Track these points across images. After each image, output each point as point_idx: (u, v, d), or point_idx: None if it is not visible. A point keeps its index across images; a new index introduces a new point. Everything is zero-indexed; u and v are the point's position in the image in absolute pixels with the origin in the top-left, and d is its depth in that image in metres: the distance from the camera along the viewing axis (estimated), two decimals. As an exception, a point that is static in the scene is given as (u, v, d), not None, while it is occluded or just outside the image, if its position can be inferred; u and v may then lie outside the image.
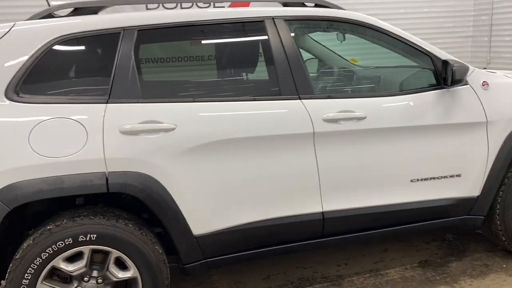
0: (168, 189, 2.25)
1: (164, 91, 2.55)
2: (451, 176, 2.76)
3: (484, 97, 2.74)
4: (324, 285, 2.89)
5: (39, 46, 2.19)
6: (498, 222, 2.92)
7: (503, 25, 6.73)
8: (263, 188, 2.43)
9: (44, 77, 2.23)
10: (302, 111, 2.42)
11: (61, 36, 2.22)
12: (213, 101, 2.38)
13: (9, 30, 2.20)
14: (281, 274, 3.04)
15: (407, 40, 2.69)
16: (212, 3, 6.35)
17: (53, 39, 2.21)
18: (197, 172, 2.30)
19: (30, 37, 2.21)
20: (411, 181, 2.69)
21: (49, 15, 2.36)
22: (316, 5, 2.71)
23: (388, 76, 3.07)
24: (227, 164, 2.34)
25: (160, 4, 4.34)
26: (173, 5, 4.31)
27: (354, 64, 3.80)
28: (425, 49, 2.70)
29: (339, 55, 3.63)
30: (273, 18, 2.51)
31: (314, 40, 3.50)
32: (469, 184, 2.80)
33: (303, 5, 2.70)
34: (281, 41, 2.47)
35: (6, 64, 2.15)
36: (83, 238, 2.15)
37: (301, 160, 2.45)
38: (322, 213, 2.55)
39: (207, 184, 2.33)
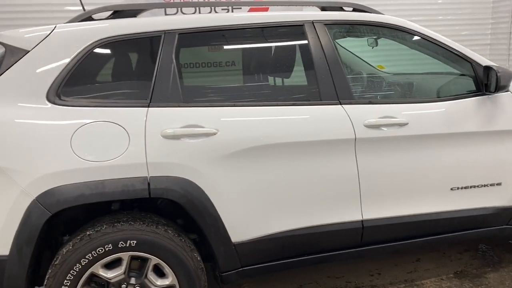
0: (208, 194, 2.20)
1: (204, 95, 2.52)
2: (491, 185, 2.70)
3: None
4: (360, 295, 2.82)
5: (81, 49, 2.16)
6: (538, 233, 2.84)
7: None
8: (302, 195, 2.37)
9: (85, 80, 2.20)
10: (343, 116, 2.37)
11: (102, 39, 2.19)
12: (253, 106, 2.34)
13: (51, 32, 2.18)
14: (313, 283, 2.98)
15: (447, 45, 2.64)
16: (230, 8, 6.39)
17: (94, 42, 2.18)
18: (237, 178, 2.25)
19: (71, 40, 2.18)
20: (451, 189, 2.62)
21: (89, 18, 2.33)
22: (355, 10, 2.67)
23: (423, 82, 3.02)
24: (267, 170, 2.29)
25: (179, 9, 4.36)
26: (192, 9, 4.31)
27: (381, 71, 3.75)
28: (465, 55, 2.65)
29: (366, 62, 3.59)
30: (313, 22, 2.47)
31: (341, 46, 3.46)
32: (510, 193, 2.73)
33: (341, 9, 2.66)
34: (321, 45, 2.43)
35: (47, 67, 2.12)
36: (123, 244, 2.11)
37: (342, 167, 2.39)
38: (362, 221, 2.49)
39: (246, 190, 2.28)
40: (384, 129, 2.42)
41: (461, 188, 2.63)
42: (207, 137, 2.19)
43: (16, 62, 2.12)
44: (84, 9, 2.74)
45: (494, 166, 2.67)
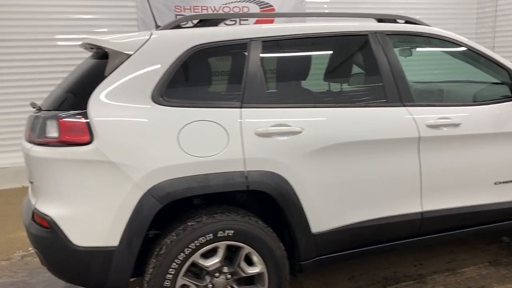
0: (294, 188, 2.39)
1: (287, 97, 2.72)
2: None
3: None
4: (409, 283, 3.06)
5: (179, 53, 2.33)
6: None
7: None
8: (373, 189, 2.60)
9: (183, 82, 2.36)
10: (408, 117, 2.63)
11: (197, 45, 2.36)
12: (331, 107, 2.56)
13: (149, 38, 2.34)
14: (364, 274, 3.20)
15: (488, 55, 2.95)
16: (238, 20, 6.64)
17: (191, 48, 2.35)
18: (318, 172, 2.45)
19: (170, 45, 2.35)
20: (495, 183, 2.92)
21: (178, 26, 2.50)
22: (407, 22, 2.95)
23: (464, 88, 3.32)
24: (344, 165, 2.51)
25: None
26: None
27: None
28: (503, 64, 2.97)
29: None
30: (376, 33, 2.73)
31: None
32: (542, 187, 3.05)
33: (394, 21, 2.94)
34: (384, 52, 2.69)
35: (150, 70, 2.27)
36: (222, 234, 2.27)
37: (407, 163, 2.64)
38: (422, 213, 2.74)
39: (326, 184, 2.48)
40: (444, 129, 2.69)
41: (503, 182, 2.93)
42: (293, 135, 2.39)
43: (120, 65, 2.26)
44: (155, 22, 2.91)
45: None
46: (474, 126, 2.79)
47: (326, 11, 7.18)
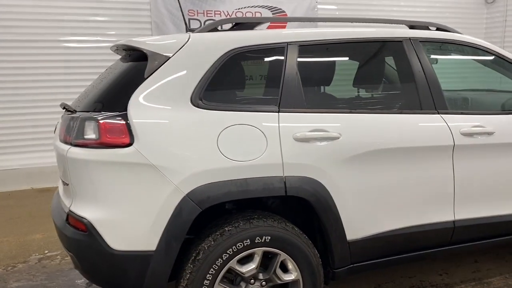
0: (331, 194, 2.36)
1: (323, 102, 2.70)
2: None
3: None
4: (435, 293, 3.03)
5: (217, 56, 2.30)
6: None
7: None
8: (407, 196, 2.57)
9: (221, 86, 2.33)
10: (443, 125, 2.61)
11: (235, 48, 2.34)
12: (367, 113, 2.54)
13: (188, 41, 2.31)
14: (390, 283, 3.17)
15: (517, 65, 2.95)
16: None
17: (229, 51, 2.32)
18: (355, 179, 2.42)
19: (208, 48, 2.32)
20: (526, 193, 2.90)
21: (215, 29, 2.48)
22: (438, 29, 2.94)
23: (492, 97, 3.31)
24: (380, 172, 2.48)
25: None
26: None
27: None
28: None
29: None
30: (410, 39, 2.72)
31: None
32: None
33: (427, 28, 2.93)
34: (419, 59, 2.68)
35: (189, 73, 2.25)
36: (259, 240, 2.23)
37: (441, 171, 2.62)
38: (454, 221, 2.71)
39: (362, 191, 2.45)
40: (478, 137, 2.67)
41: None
42: (331, 140, 2.36)
43: (159, 67, 2.24)
44: (186, 25, 2.88)
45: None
46: (507, 135, 2.78)
47: (339, 16, 7.22)
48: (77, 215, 2.15)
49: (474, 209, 2.75)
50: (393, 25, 2.99)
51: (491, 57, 2.98)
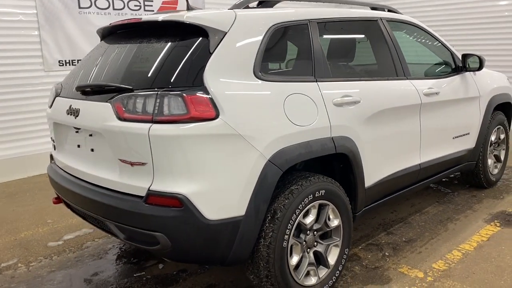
0: (358, 149, 2.80)
1: (341, 72, 3.07)
2: (465, 134, 4.00)
3: (477, 80, 4.08)
4: (400, 225, 3.75)
5: (264, 31, 2.48)
6: (480, 166, 4.31)
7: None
8: (397, 148, 3.19)
9: (270, 59, 2.52)
10: (413, 88, 3.29)
11: (275, 24, 2.55)
12: (370, 80, 3.04)
13: (235, 17, 2.43)
14: (362, 225, 3.79)
15: (441, 40, 3.82)
16: (142, 4, 6.53)
17: (272, 26, 2.52)
18: (370, 135, 2.89)
19: (255, 23, 2.48)
20: (453, 138, 3.82)
21: (247, 6, 2.63)
22: (389, 10, 3.60)
23: (428, 66, 4.12)
24: (383, 128, 3.01)
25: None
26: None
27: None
28: (448, 46, 3.89)
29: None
30: (381, 19, 3.30)
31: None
32: (472, 139, 4.10)
33: (383, 10, 3.55)
34: (390, 36, 3.28)
35: (247, 47, 2.39)
36: (318, 194, 2.54)
37: (414, 124, 3.31)
38: (420, 164, 3.45)
39: (374, 145, 2.95)
40: (432, 96, 3.43)
41: (456, 137, 3.86)
42: (355, 104, 2.79)
43: (220, 42, 2.31)
44: (188, 7, 2.91)
45: (467, 121, 3.99)
46: (445, 94, 3.62)
47: None
48: (166, 192, 2.12)
49: (429, 154, 3.54)
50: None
51: (426, 35, 3.78)
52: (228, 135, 2.17)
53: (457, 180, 4.85)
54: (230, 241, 2.24)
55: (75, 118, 2.50)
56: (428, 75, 3.76)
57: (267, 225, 2.37)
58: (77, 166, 2.63)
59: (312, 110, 2.53)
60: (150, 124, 2.11)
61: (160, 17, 2.47)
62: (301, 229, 2.54)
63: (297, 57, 2.78)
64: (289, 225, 2.41)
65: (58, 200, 2.94)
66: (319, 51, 2.73)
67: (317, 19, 2.81)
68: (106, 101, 2.29)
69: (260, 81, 2.38)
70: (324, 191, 2.58)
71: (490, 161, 4.47)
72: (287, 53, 2.78)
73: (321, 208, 2.64)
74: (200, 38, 2.32)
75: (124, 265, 3.27)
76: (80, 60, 6.18)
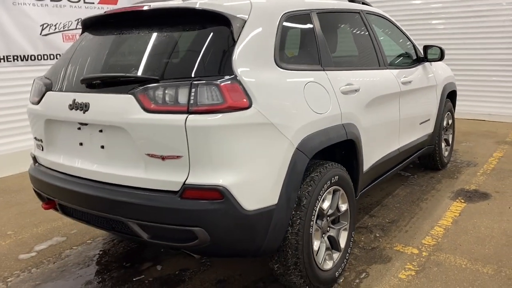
0: (360, 135, 2.92)
1: (341, 61, 3.13)
2: (427, 120, 4.33)
3: (434, 70, 4.44)
4: (378, 208, 3.96)
5: (278, 20, 2.48)
6: (437, 149, 4.70)
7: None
8: (385, 134, 3.36)
9: (283, 47, 2.52)
10: (393, 77, 3.49)
11: (286, 12, 2.56)
12: (364, 69, 3.17)
13: (251, 5, 2.40)
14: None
15: (406, 33, 4.10)
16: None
17: (283, 15, 2.53)
18: (367, 121, 3.02)
19: (269, 11, 2.47)
20: (419, 124, 4.12)
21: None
22: (363, 3, 3.77)
23: (400, 56, 4.35)
24: (375, 114, 3.15)
25: None
26: None
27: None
28: (411, 39, 4.18)
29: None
30: (362, 11, 3.46)
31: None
32: (431, 125, 4.45)
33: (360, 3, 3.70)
34: (371, 28, 3.45)
35: (266, 35, 2.37)
36: (333, 180, 2.61)
37: (395, 111, 3.51)
38: (398, 148, 3.67)
39: (370, 131, 3.07)
40: (407, 85, 3.66)
41: (421, 123, 4.16)
42: (356, 92, 2.90)
43: (242, 30, 2.27)
44: None
45: (428, 108, 4.32)
46: (415, 83, 3.89)
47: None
48: (205, 185, 2.04)
49: (405, 139, 3.78)
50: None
51: (393, 27, 4.02)
52: (261, 124, 2.15)
53: (412, 164, 5.22)
54: (265, 232, 2.22)
55: (84, 113, 2.30)
56: (399, 65, 4.00)
57: (295, 212, 2.38)
58: (80, 165, 2.43)
59: (326, 98, 2.59)
60: (186, 115, 2.02)
61: (175, 4, 2.36)
62: (319, 215, 2.59)
63: (304, 46, 2.81)
64: (314, 211, 2.44)
65: (49, 205, 2.68)
66: (321, 40, 2.79)
67: (316, 9, 2.87)
68: (127, 93, 2.14)
69: (280, 69, 2.38)
70: (337, 176, 2.65)
71: (443, 145, 4.88)
72: (301, 41, 2.81)
73: (334, 193, 2.71)
74: (221, 26, 2.26)
75: (117, 271, 3.07)
76: (17, 56, 5.67)
